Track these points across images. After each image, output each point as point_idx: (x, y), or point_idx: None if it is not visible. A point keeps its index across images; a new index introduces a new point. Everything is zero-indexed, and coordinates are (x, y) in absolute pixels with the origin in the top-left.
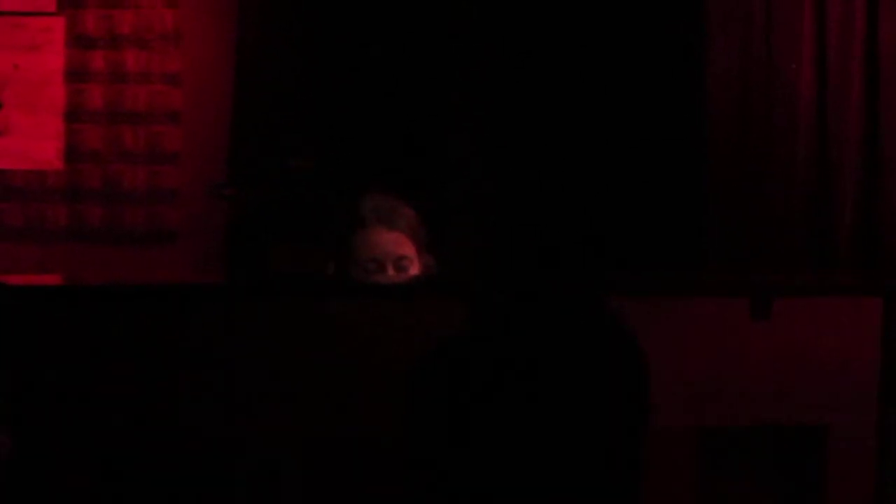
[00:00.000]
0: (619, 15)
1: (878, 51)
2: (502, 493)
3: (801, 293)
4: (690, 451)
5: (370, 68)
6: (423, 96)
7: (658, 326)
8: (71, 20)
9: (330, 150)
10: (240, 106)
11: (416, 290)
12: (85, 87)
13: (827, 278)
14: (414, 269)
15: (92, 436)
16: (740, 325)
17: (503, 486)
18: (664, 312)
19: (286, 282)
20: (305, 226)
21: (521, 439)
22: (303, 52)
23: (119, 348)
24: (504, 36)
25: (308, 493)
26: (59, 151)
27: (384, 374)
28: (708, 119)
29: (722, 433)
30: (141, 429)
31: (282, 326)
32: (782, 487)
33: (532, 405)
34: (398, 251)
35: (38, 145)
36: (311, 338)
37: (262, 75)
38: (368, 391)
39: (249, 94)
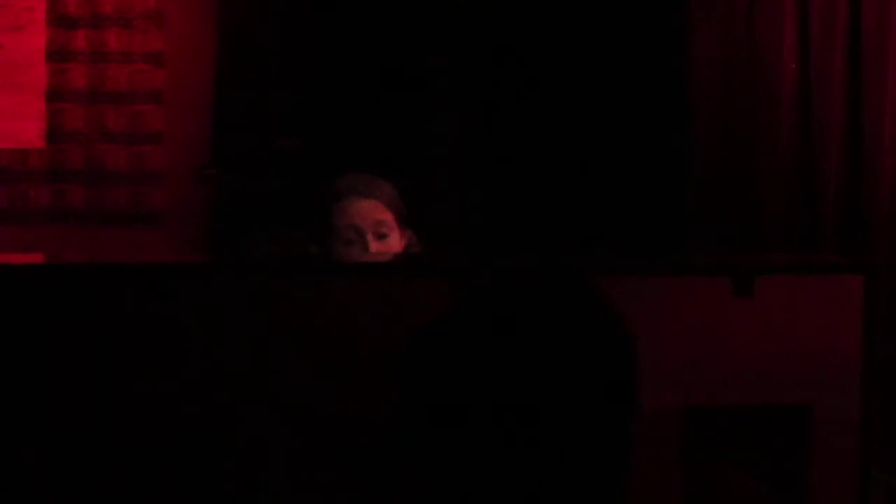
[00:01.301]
0: (601, 2)
1: (861, 36)
2: (488, 475)
3: (784, 271)
4: (675, 431)
5: (355, 47)
6: (409, 75)
7: (641, 306)
8: (53, 0)
9: (316, 130)
10: (223, 86)
11: (402, 269)
12: (67, 66)
13: (809, 257)
14: (393, 235)
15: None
16: (723, 304)
17: (488, 468)
18: (647, 292)
19: (268, 262)
20: (291, 208)
21: (506, 422)
22: (286, 32)
23: (101, 328)
24: (488, 21)
25: (293, 472)
26: (42, 131)
27: (369, 353)
28: (691, 105)
29: (707, 413)
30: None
31: (264, 306)
32: (767, 466)
33: (518, 388)
34: (375, 216)
35: (20, 125)
36: (295, 318)
37: (245, 54)
38: (354, 370)
39: (233, 73)
